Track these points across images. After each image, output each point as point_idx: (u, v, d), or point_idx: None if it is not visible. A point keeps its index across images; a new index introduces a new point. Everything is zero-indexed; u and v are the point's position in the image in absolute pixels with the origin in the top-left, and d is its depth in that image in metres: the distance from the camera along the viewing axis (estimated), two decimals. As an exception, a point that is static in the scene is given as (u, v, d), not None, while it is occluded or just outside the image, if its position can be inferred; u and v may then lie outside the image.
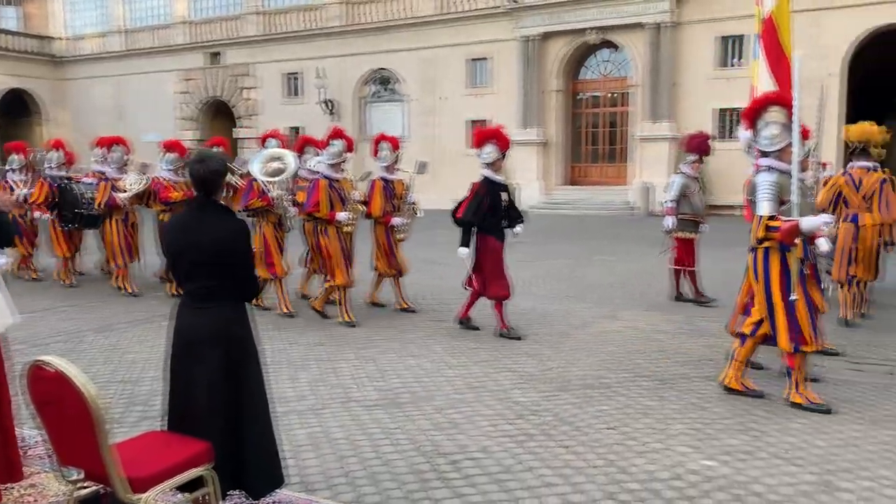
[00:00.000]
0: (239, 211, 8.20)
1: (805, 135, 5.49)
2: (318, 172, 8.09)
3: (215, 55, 31.29)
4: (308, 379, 5.81)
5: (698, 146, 8.97)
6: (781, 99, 5.18)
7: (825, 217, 4.95)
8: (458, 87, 26.38)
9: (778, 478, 3.89)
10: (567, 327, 7.58)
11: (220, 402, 3.27)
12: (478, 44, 25.89)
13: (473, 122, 25.98)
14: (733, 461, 4.12)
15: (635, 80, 23.68)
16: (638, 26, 23.08)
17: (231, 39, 30.70)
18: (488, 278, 7.19)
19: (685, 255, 8.87)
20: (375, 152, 8.52)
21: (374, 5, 28.04)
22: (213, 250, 3.27)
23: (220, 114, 31.77)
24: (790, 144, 4.92)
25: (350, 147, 7.95)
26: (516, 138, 25.10)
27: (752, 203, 5.14)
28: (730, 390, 5.30)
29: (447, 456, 4.22)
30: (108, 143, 10.10)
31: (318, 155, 8.63)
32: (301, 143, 9.31)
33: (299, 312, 8.21)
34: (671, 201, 8.84)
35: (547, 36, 24.61)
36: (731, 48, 22.50)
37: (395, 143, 8.54)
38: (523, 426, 4.70)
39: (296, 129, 29.07)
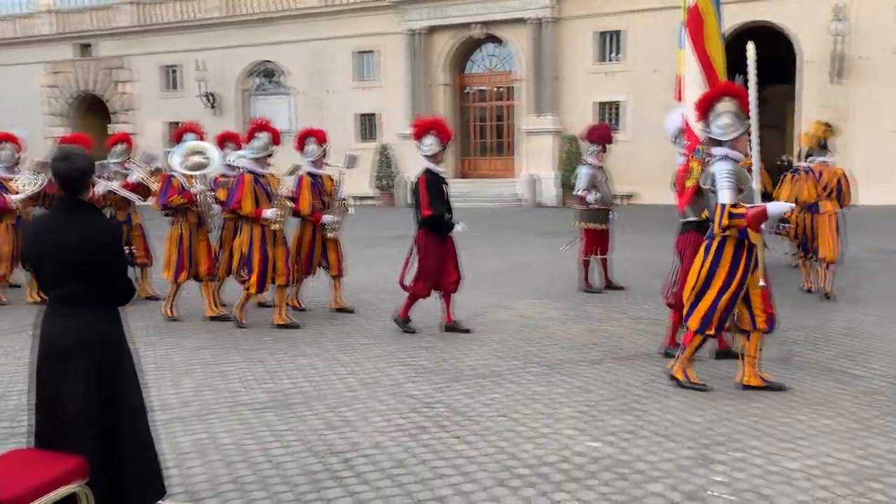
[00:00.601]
0: (159, 210, 7.75)
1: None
2: (238, 167, 7.65)
3: (86, 47, 29.58)
4: (192, 384, 5.59)
5: (601, 136, 9.14)
6: (733, 89, 5.22)
7: (790, 203, 5.11)
8: (346, 80, 26.11)
9: (659, 454, 4.07)
10: (459, 318, 7.64)
11: (93, 412, 3.09)
12: (364, 36, 25.70)
13: (362, 115, 25.82)
14: (618, 441, 4.28)
15: (519, 74, 24.19)
16: (520, 21, 23.57)
17: (103, 30, 29.10)
18: (437, 274, 6.93)
19: (597, 245, 9.06)
20: (301, 147, 8.11)
21: (254, -5, 27.31)
22: (82, 252, 3.08)
23: (93, 109, 30.05)
24: (743, 134, 5.03)
25: (276, 140, 7.44)
26: (406, 132, 25.24)
27: (704, 192, 5.15)
28: (749, 387, 5.08)
29: (340, 454, 4.17)
30: None
31: (236, 150, 8.22)
32: (221, 138, 8.77)
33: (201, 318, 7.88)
34: (583, 191, 8.94)
35: (432, 30, 24.74)
36: (609, 43, 23.36)
37: (321, 137, 8.13)
38: (416, 419, 4.71)
39: (175, 124, 27.92)
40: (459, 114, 26.03)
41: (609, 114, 22.60)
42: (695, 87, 5.88)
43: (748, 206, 4.87)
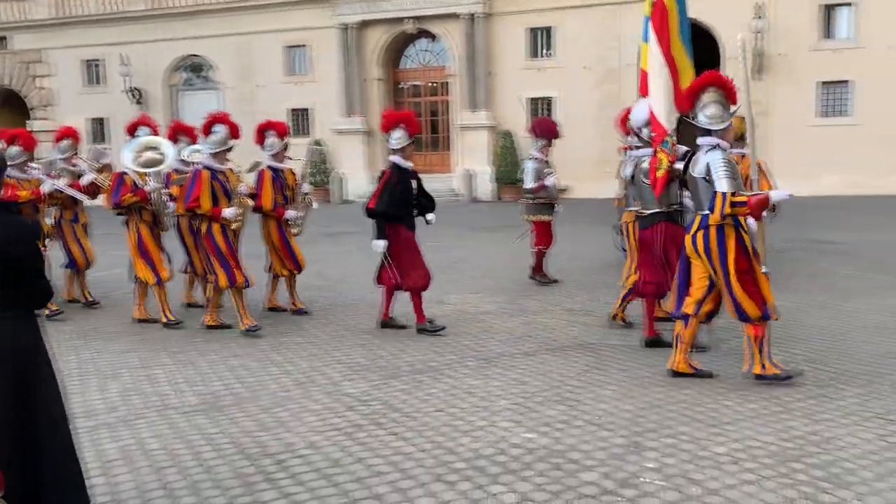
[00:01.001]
0: (111, 209, 7.31)
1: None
2: (192, 163, 7.33)
3: (1, 39, 28.21)
4: (119, 389, 5.40)
5: (545, 130, 9.14)
6: (720, 79, 5.22)
7: (789, 190, 5.10)
8: (277, 75, 25.66)
9: (592, 443, 4.13)
10: (396, 314, 7.61)
11: (9, 421, 2.93)
12: (295, 31, 25.30)
13: (294, 110, 25.43)
14: (552, 431, 4.32)
15: (453, 69, 24.23)
16: (453, 16, 23.60)
17: (19, 22, 27.79)
18: (405, 269, 6.76)
19: (542, 238, 9.12)
20: (260, 140, 7.80)
21: (180, -11, 26.56)
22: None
23: (8, 104, 28.67)
24: (731, 125, 5.11)
25: (235, 134, 7.15)
26: (340, 128, 25.05)
27: (699, 181, 5.09)
28: (679, 374, 5.18)
29: (273, 456, 4.09)
30: None
31: (190, 145, 7.88)
32: (174, 131, 8.28)
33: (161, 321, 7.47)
34: (533, 184, 8.87)
35: (365, 24, 24.54)
36: (540, 39, 23.63)
37: (282, 130, 7.86)
38: (353, 418, 4.66)
39: (99, 121, 27.00)
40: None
41: (541, 109, 22.85)
42: (660, 81, 5.92)
43: (749, 193, 4.92)
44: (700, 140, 5.15)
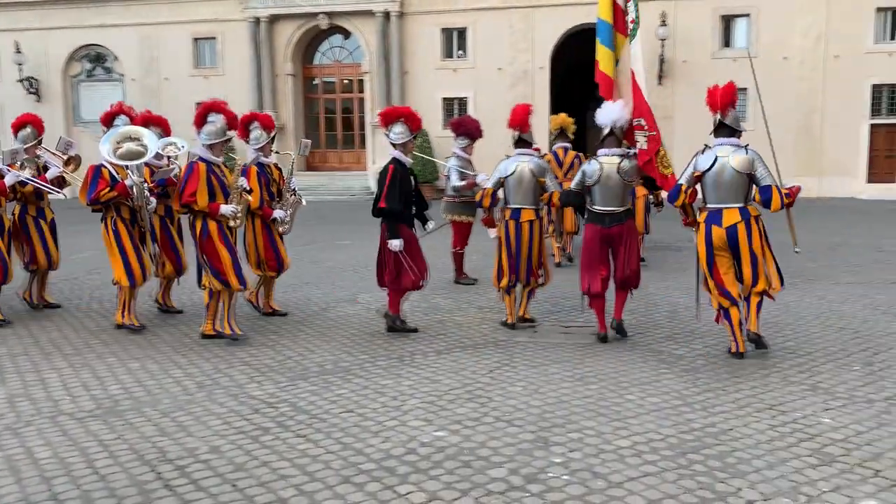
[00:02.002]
0: (85, 204, 6.63)
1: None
2: (168, 157, 6.89)
3: None
4: (6, 394, 5.08)
5: (465, 130, 9.02)
6: (735, 91, 5.86)
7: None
8: (185, 68, 24.84)
9: (501, 440, 4.17)
10: (306, 314, 7.49)
11: None
12: (203, 22, 24.56)
13: (201, 104, 24.64)
14: (462, 429, 4.33)
15: (367, 67, 24.07)
16: (368, 14, 23.44)
17: None
18: (401, 269, 6.45)
19: (459, 239, 9.08)
20: (244, 133, 7.32)
21: (80, -26, 25.32)
22: None
23: None
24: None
25: (233, 124, 6.69)
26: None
27: (731, 176, 5.67)
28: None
29: (173, 462, 3.93)
30: None
31: (163, 136, 7.35)
32: (144, 121, 7.44)
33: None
34: (459, 182, 8.70)
35: (276, 18, 24.07)
36: (455, 40, 23.77)
37: (267, 122, 7.38)
38: (259, 420, 4.54)
39: (-11, 111, 25.44)
40: (307, 105, 25.53)
41: (457, 109, 23.00)
42: (642, 81, 6.36)
43: (788, 186, 5.75)
44: (727, 140, 5.80)
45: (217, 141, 6.44)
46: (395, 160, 6.55)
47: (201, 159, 6.39)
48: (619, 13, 6.48)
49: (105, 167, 6.58)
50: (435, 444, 4.13)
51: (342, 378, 5.36)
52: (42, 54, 25.13)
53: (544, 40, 23.02)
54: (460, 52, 23.67)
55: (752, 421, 4.39)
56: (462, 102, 23.32)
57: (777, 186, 5.60)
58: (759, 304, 5.75)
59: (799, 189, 5.77)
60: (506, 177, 6.79)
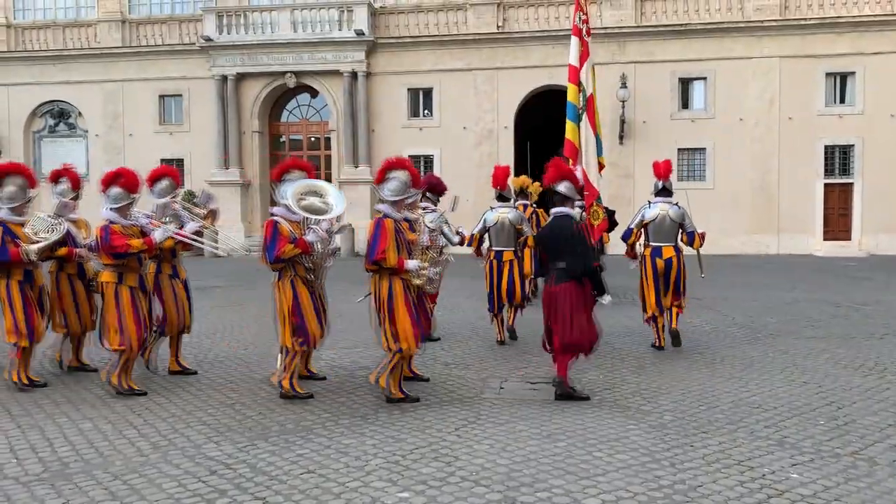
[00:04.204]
0: (265, 263, 6.12)
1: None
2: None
3: None
4: (-53, 459, 4.82)
5: (431, 186, 9.09)
6: (670, 166, 8.62)
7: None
8: (149, 124, 24.84)
9: (468, 500, 4.05)
10: (267, 373, 7.30)
11: None
12: (170, 80, 24.66)
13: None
14: (428, 490, 4.21)
15: (334, 125, 24.28)
16: (335, 73, 23.77)
17: None
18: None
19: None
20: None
21: (45, 31, 25.34)
22: None
23: None
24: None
25: (417, 182, 6.39)
26: (216, 179, 24.33)
27: (668, 223, 8.13)
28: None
29: (124, 528, 3.73)
30: (1, 174, 6.71)
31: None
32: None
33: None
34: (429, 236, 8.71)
35: (243, 76, 24.27)
36: (421, 99, 24.17)
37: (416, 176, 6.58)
38: (215, 482, 4.35)
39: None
40: (273, 162, 25.55)
41: (423, 167, 23.25)
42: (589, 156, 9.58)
43: (699, 231, 8.17)
44: (664, 199, 8.25)
45: (400, 197, 6.19)
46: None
47: (386, 215, 6.11)
48: (590, 102, 10.48)
49: (281, 223, 6.10)
50: (399, 505, 3.99)
51: (303, 437, 5.20)
52: (4, 109, 24.92)
53: (508, 100, 23.53)
54: (426, 111, 24.05)
55: (721, 477, 4.34)
56: (428, 160, 23.57)
57: (697, 232, 8.08)
58: (678, 315, 8.18)
59: (704, 234, 8.12)
60: (491, 226, 8.66)
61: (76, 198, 7.34)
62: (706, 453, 4.76)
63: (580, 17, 11.02)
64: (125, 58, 24.82)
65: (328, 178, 24.96)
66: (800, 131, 22.10)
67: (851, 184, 22.36)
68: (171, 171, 7.68)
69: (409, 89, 23.89)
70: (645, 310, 8.21)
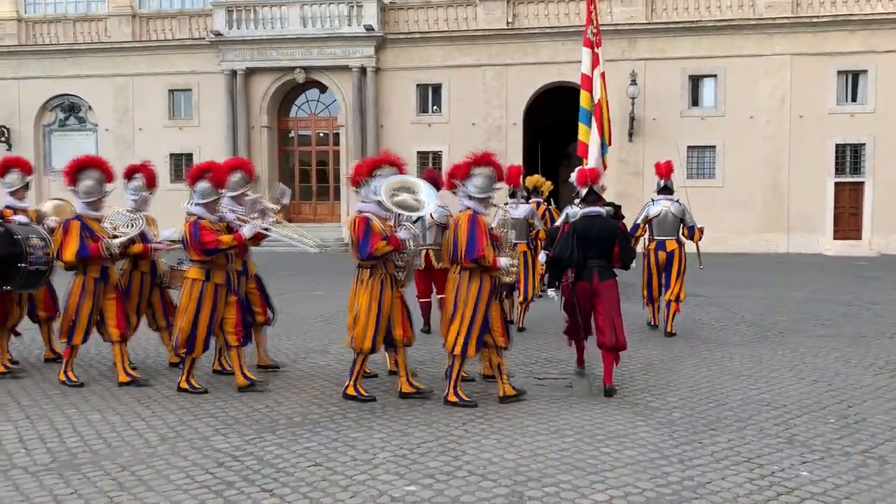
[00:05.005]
0: (357, 260, 5.90)
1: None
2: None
3: None
4: (-44, 448, 4.84)
5: (431, 182, 9.05)
6: (671, 166, 9.23)
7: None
8: (159, 119, 24.90)
9: (475, 494, 4.04)
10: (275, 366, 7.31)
11: None
12: (179, 74, 24.72)
13: (176, 155, 24.66)
14: (435, 483, 4.20)
15: (343, 120, 24.29)
16: (345, 68, 23.77)
17: None
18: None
19: (428, 287, 8.92)
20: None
21: (56, 25, 25.44)
22: None
23: None
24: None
25: (500, 176, 6.11)
26: (224, 174, 24.35)
27: (671, 219, 8.87)
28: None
29: (132, 518, 3.74)
30: (78, 168, 6.49)
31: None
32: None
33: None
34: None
35: (252, 71, 24.30)
36: (430, 95, 24.14)
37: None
38: (223, 474, 4.36)
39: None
40: (281, 157, 25.60)
41: (431, 163, 23.24)
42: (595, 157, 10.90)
43: (699, 226, 8.98)
44: (666, 196, 8.99)
45: (487, 194, 5.95)
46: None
47: (476, 212, 5.89)
48: (598, 108, 10.93)
49: (372, 220, 5.84)
50: (406, 499, 3.98)
51: (311, 430, 5.20)
52: (14, 103, 25.03)
53: (518, 97, 23.48)
54: (435, 107, 24.03)
55: (731, 474, 4.31)
56: (437, 156, 23.56)
57: (696, 227, 8.85)
58: (675, 313, 8.77)
59: (703, 228, 8.95)
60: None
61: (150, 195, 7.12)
62: (715, 450, 4.73)
63: (591, 31, 11.62)
64: (135, 52, 24.89)
65: (336, 174, 24.99)
66: (811, 130, 21.96)
67: (862, 183, 22.22)
68: (244, 163, 7.45)
69: (418, 85, 23.87)
70: (644, 297, 9.23)
